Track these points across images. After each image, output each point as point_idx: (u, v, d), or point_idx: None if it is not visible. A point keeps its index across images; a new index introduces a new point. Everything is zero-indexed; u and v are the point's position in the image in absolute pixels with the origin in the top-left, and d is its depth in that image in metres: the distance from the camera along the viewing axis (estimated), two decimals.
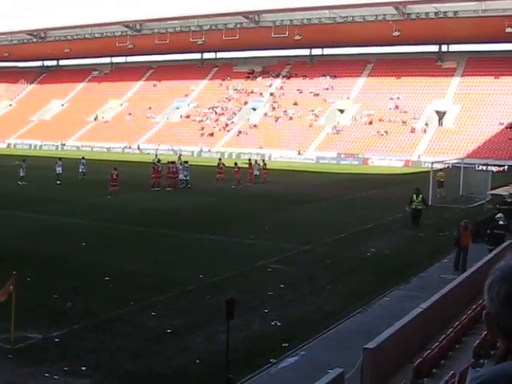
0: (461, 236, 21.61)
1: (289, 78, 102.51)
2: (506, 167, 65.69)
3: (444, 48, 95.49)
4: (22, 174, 45.44)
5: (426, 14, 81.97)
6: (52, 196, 39.40)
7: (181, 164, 48.18)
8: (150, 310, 16.32)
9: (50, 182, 45.96)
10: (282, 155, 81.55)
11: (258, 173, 50.94)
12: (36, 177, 48.19)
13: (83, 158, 52.43)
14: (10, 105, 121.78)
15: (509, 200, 30.29)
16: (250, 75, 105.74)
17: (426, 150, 77.83)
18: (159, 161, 48.89)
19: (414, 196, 30.54)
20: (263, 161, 55.80)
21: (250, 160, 54.02)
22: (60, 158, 49.49)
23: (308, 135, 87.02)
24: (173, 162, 47.59)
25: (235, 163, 48.71)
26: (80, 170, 50.38)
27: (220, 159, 53.94)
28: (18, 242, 24.91)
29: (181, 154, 68.32)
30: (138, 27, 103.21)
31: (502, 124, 78.95)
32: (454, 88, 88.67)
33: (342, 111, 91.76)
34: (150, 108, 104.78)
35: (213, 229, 28.82)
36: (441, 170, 44.70)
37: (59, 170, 47.48)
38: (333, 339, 14.72)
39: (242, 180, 46.84)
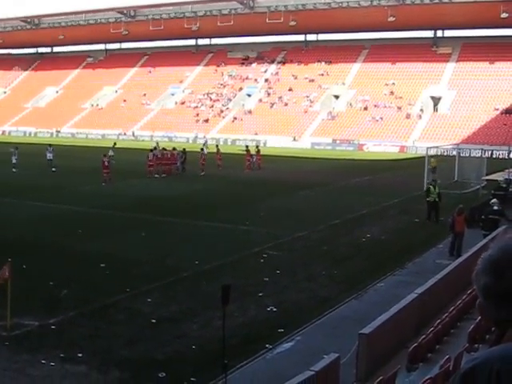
0: (455, 222, 21.67)
1: (284, 63, 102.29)
2: None
3: (439, 33, 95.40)
4: (14, 161, 45.68)
5: None
6: (47, 183, 39.30)
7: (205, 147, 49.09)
8: (145, 297, 16.35)
9: (44, 169, 45.96)
10: (277, 141, 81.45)
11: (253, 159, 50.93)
12: (31, 164, 48.25)
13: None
14: (5, 92, 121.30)
15: (504, 185, 30.34)
16: (245, 61, 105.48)
17: (421, 135, 77.85)
18: (155, 148, 48.78)
19: (432, 188, 28.48)
20: (257, 147, 55.66)
21: (247, 147, 53.95)
22: (50, 145, 50.49)
23: (303, 121, 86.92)
24: (164, 149, 47.54)
25: (201, 149, 48.50)
26: (111, 154, 51.13)
27: (217, 145, 54.00)
28: (13, 230, 24.89)
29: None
30: (132, 13, 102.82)
31: (497, 109, 78.98)
32: (450, 73, 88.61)
33: (337, 97, 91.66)
34: (144, 95, 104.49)
35: (208, 215, 28.82)
36: (432, 156, 44.77)
37: (50, 156, 48.58)
38: (328, 325, 14.78)
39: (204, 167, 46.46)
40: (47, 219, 27.75)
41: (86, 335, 13.64)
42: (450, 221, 22.08)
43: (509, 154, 56.67)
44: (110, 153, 51.05)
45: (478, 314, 2.19)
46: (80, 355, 12.50)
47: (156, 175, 43.92)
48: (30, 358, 12.33)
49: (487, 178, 39.22)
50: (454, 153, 47.85)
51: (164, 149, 47.71)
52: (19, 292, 14.43)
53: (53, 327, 14.03)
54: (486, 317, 2.14)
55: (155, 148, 48.12)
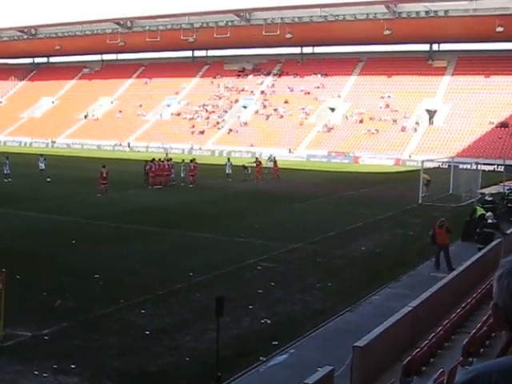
0: (436, 234, 21.66)
1: (280, 76, 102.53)
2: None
3: (435, 47, 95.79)
4: (5, 172, 45.73)
5: (417, 12, 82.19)
6: (41, 193, 39.26)
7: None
8: (139, 308, 16.29)
9: (38, 179, 45.88)
10: (272, 153, 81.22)
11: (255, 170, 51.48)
12: (24, 174, 48.19)
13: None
14: (0, 102, 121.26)
15: (489, 199, 30.34)
16: (241, 73, 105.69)
17: (417, 148, 78.03)
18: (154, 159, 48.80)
19: (477, 208, 26.94)
20: (274, 158, 56.49)
21: (257, 159, 54.64)
22: (41, 155, 51.61)
23: (299, 133, 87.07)
24: (160, 160, 47.63)
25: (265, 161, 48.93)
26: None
27: (274, 158, 55.25)
28: (6, 240, 24.79)
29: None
30: (128, 24, 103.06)
31: (492, 123, 79.19)
32: (445, 87, 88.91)
33: (332, 109, 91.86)
34: (140, 106, 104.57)
35: (203, 227, 28.80)
36: (424, 170, 44.89)
37: (42, 165, 49.53)
38: (322, 337, 14.72)
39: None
40: (41, 229, 27.65)
41: (79, 346, 13.56)
42: (431, 233, 22.12)
43: (504, 167, 56.83)
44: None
45: (493, 317, 2.22)
46: (73, 366, 12.42)
47: (155, 186, 43.99)
48: (22, 369, 12.24)
49: (482, 191, 39.29)
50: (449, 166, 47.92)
51: (160, 160, 47.78)
52: (12, 302, 14.33)
53: (46, 338, 13.96)
54: (502, 320, 2.17)
55: (153, 159, 48.06)
